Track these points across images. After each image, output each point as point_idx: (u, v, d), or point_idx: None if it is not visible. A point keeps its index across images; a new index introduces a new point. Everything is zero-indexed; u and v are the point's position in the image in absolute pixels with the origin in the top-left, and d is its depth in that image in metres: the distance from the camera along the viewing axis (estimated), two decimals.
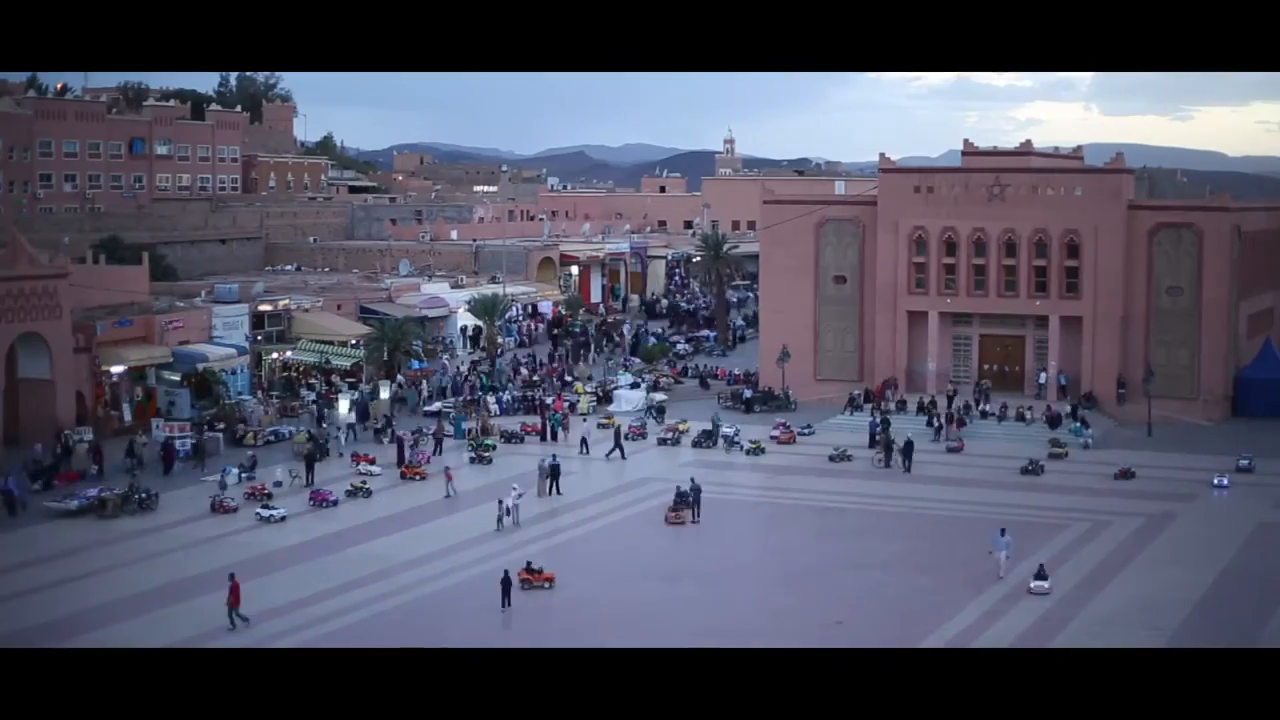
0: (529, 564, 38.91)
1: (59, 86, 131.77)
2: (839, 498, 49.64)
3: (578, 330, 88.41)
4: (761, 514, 48.58)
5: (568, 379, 72.38)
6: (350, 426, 59.34)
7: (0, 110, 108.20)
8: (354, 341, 70.87)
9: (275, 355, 69.76)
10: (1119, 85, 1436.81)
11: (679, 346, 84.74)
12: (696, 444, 58.17)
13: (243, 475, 50.74)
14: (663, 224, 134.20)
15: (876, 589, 38.81)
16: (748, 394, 67.65)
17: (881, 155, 70.74)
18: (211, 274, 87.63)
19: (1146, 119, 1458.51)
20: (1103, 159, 69.96)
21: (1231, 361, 64.61)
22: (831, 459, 55.25)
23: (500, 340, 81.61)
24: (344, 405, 62.60)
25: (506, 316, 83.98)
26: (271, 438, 58.25)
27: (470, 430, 59.48)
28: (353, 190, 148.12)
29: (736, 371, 74.12)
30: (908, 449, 53.84)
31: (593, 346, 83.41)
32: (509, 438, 59.00)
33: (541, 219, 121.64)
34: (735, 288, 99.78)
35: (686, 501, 45.79)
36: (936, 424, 59.74)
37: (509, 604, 36.18)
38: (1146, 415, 59.61)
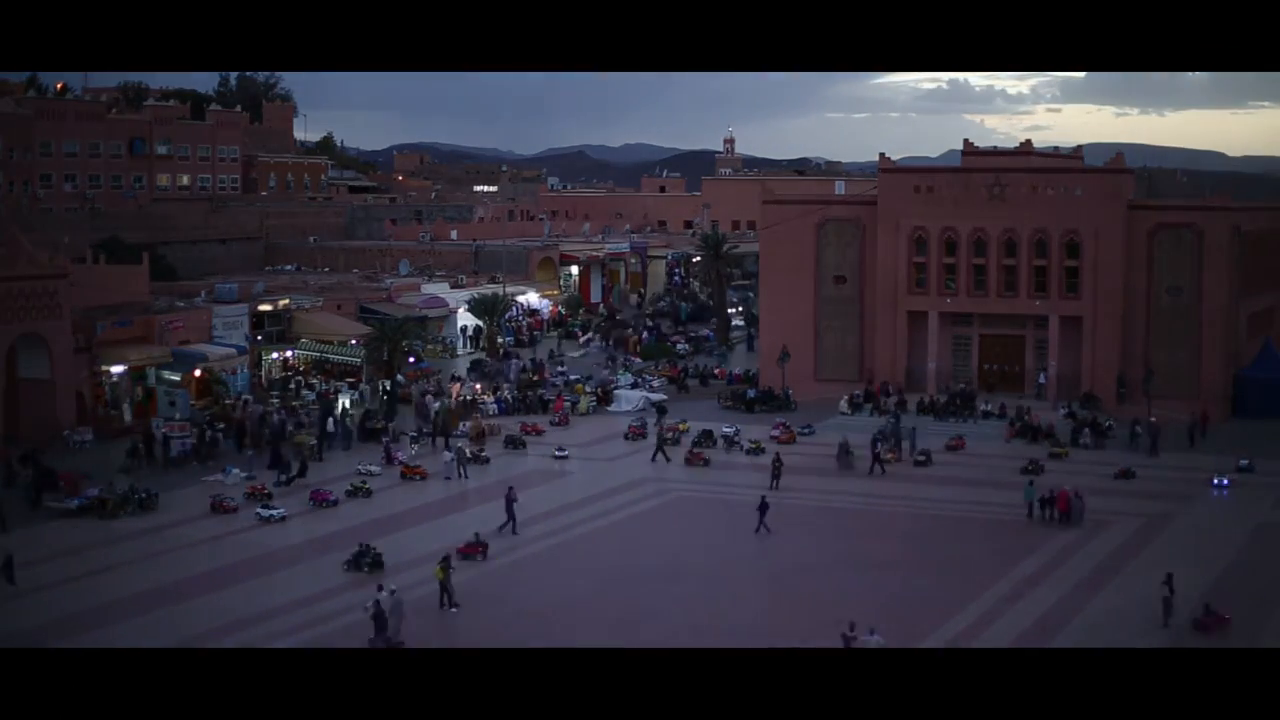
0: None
1: (59, 86, 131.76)
2: (839, 497, 49.64)
3: (577, 329, 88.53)
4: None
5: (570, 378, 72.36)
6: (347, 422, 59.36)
7: (0, 110, 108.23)
8: (354, 341, 70.94)
9: (275, 355, 69.82)
10: (1119, 85, 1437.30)
11: (679, 346, 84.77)
12: (697, 444, 58.14)
13: (243, 475, 50.76)
14: (663, 224, 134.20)
15: (876, 589, 38.81)
16: (752, 394, 67.62)
17: (881, 155, 70.74)
18: (211, 274, 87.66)
19: (1148, 118, 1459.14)
20: (1102, 159, 70.00)
21: (1231, 361, 64.59)
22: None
23: (500, 340, 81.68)
24: (344, 404, 62.59)
25: (506, 316, 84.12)
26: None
27: (474, 427, 59.52)
28: (353, 190, 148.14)
29: (736, 371, 74.13)
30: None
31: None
32: (510, 441, 58.65)
33: (541, 219, 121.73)
34: (735, 287, 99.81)
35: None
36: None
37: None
38: (1147, 415, 59.56)
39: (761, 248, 74.20)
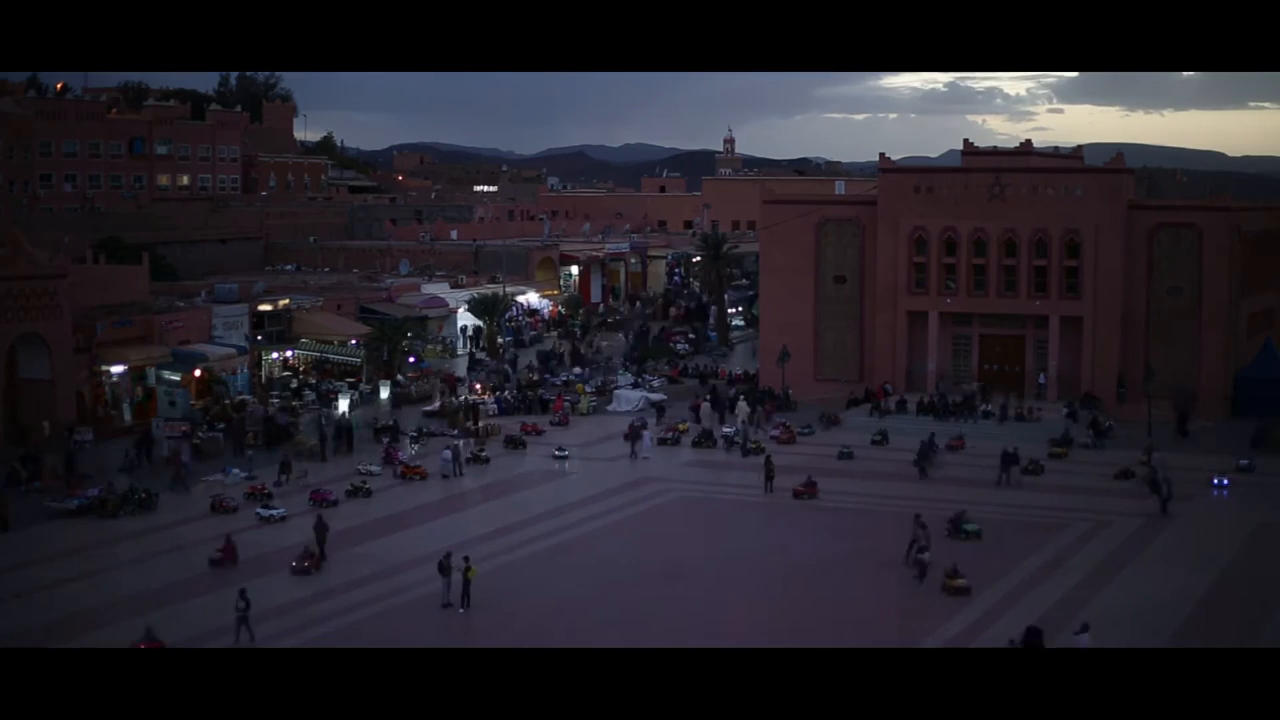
0: None
1: (59, 86, 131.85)
2: (839, 497, 49.62)
3: (576, 330, 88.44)
4: (761, 513, 48.53)
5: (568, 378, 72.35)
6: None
7: (0, 110, 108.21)
8: (354, 341, 70.95)
9: (275, 355, 69.81)
10: (1120, 85, 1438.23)
11: (679, 346, 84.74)
12: (696, 444, 58.19)
13: (242, 475, 50.77)
14: (663, 224, 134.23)
15: (877, 589, 38.80)
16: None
17: (881, 155, 70.73)
18: (211, 274, 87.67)
19: (1148, 118, 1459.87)
20: (1103, 159, 69.98)
21: (1231, 361, 64.58)
22: (840, 456, 55.51)
23: (500, 340, 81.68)
24: (344, 405, 62.60)
25: (506, 316, 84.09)
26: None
27: (475, 429, 59.50)
28: (353, 190, 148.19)
29: (736, 371, 74.12)
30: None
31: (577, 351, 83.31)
32: (512, 442, 58.49)
33: (541, 219, 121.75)
34: (735, 287, 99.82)
35: None
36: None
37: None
38: (1146, 415, 59.56)
39: (761, 248, 74.19)
